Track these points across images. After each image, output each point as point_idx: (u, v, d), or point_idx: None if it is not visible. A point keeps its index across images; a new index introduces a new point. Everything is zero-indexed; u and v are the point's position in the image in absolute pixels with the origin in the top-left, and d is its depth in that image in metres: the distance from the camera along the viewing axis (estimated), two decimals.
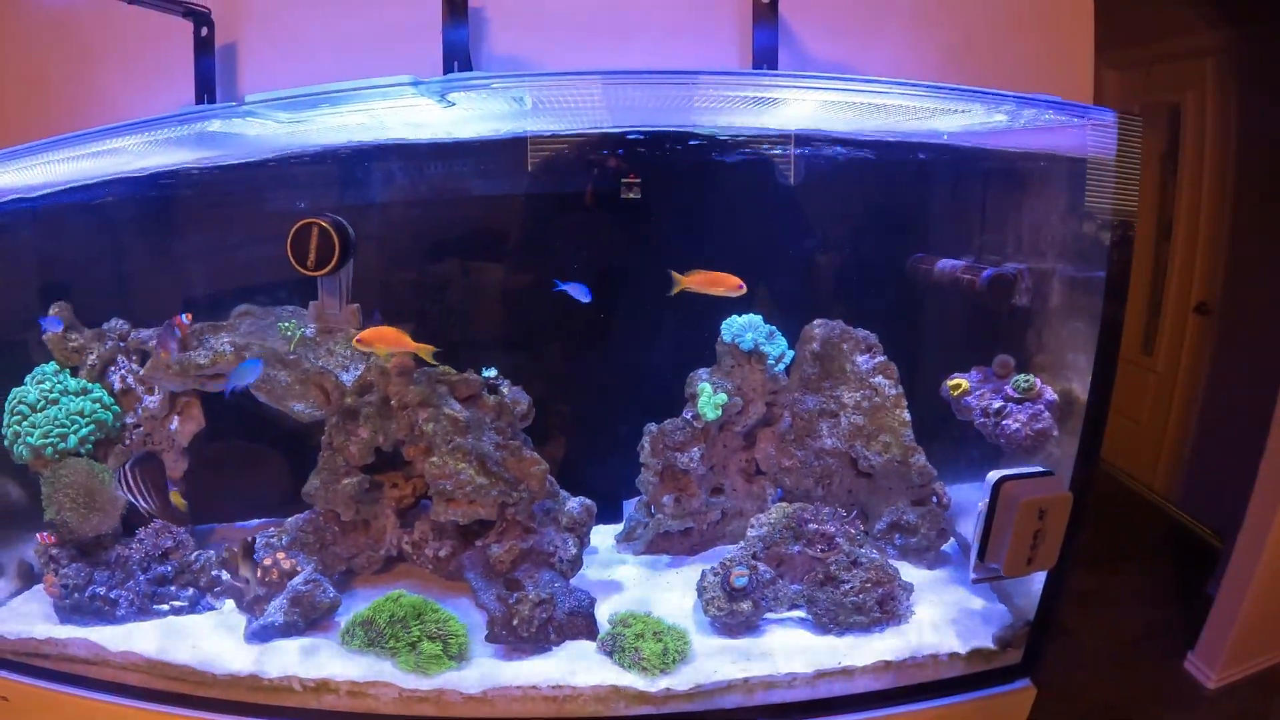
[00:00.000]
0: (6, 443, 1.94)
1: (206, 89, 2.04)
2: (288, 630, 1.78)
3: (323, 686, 1.68)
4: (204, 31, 2.00)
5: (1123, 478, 4.83)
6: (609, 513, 2.21)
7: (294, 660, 1.72)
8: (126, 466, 1.79)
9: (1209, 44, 3.98)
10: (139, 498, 1.78)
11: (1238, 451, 3.02)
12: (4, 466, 2.01)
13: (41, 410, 1.95)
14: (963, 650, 1.77)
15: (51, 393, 1.97)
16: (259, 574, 1.81)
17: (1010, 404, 1.84)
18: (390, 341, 1.74)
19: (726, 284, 1.82)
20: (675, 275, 1.85)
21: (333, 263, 1.45)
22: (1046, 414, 1.80)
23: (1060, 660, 3.27)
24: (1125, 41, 4.38)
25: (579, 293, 1.92)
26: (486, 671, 1.71)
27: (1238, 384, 3.84)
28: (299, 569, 1.82)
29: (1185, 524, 4.26)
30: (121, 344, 2.09)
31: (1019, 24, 2.06)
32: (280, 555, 1.83)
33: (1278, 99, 3.55)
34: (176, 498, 1.85)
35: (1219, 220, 4.05)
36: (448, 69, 1.90)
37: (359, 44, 2.01)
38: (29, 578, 2.02)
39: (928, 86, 1.50)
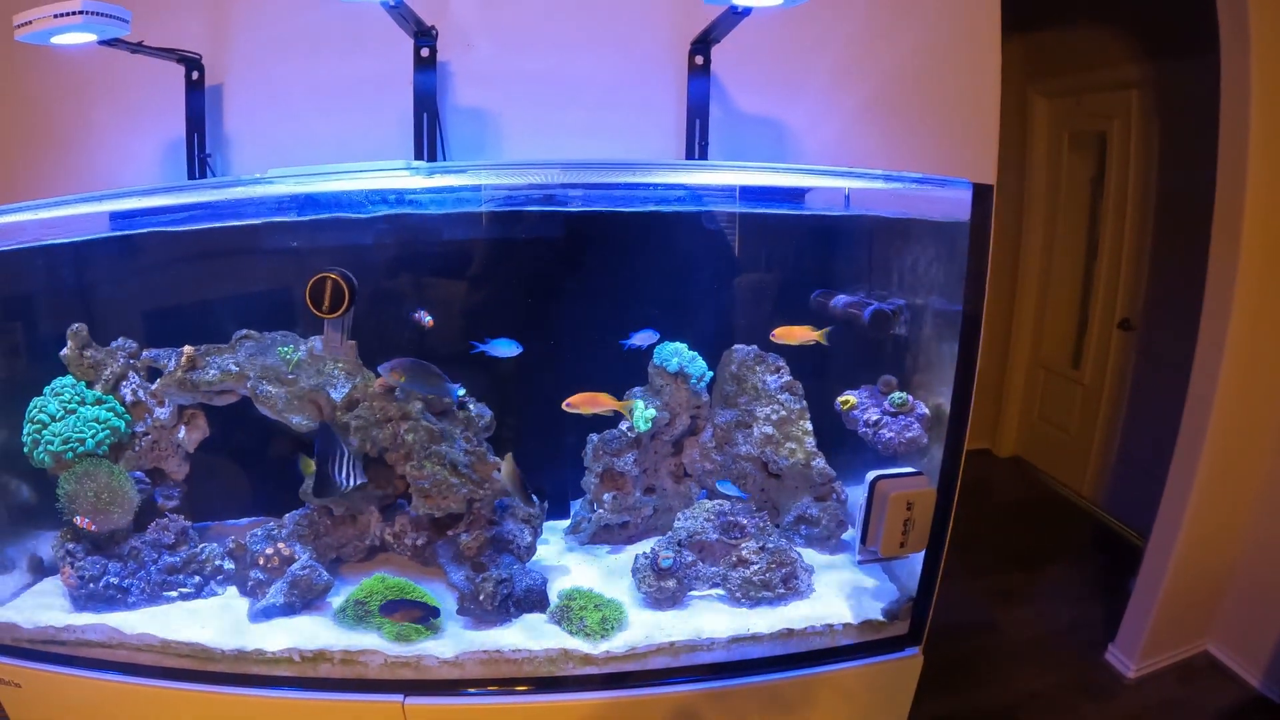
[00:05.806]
0: (26, 449, 2.11)
1: (197, 127, 2.29)
2: (287, 609, 2.06)
3: (319, 656, 1.95)
4: (194, 75, 2.23)
5: (1053, 484, 5.15)
6: (559, 511, 2.51)
7: (294, 635, 1.99)
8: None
9: (1133, 77, 4.33)
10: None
11: (1158, 456, 3.30)
12: (13, 470, 2.19)
13: (61, 420, 2.10)
14: (855, 621, 2.08)
15: (70, 403, 2.14)
16: (261, 561, 2.14)
17: (886, 417, 2.17)
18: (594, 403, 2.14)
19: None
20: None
21: (343, 308, 1.88)
22: (917, 425, 2.15)
23: (988, 652, 3.48)
24: (1057, 72, 4.72)
25: (504, 349, 2.13)
26: (458, 639, 2.00)
27: (1157, 394, 4.16)
28: (296, 557, 2.11)
29: (1111, 526, 4.58)
30: (132, 361, 2.29)
31: (928, 79, 2.42)
32: (280, 545, 2.14)
33: (1194, 129, 3.87)
34: None
35: (1141, 242, 4.39)
36: (418, 119, 2.22)
37: (334, 90, 2.30)
38: (39, 571, 2.23)
39: (810, 170, 1.97)
